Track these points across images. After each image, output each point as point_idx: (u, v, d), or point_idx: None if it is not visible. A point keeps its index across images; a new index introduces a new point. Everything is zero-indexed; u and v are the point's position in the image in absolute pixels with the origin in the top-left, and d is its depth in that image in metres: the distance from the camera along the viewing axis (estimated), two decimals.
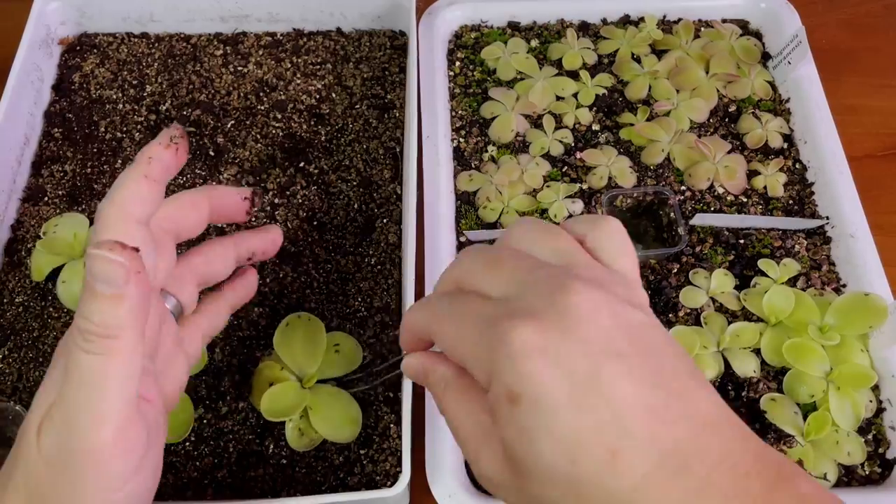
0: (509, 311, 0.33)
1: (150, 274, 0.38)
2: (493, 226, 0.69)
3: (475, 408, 0.35)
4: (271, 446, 0.59)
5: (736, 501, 0.29)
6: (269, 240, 0.51)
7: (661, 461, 0.30)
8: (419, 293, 0.63)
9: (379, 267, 0.67)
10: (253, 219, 0.70)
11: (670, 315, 0.63)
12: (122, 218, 0.37)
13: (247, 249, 0.50)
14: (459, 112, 0.76)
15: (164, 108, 0.77)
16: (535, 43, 0.81)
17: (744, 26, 0.82)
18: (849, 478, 0.57)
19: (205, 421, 0.60)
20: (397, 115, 0.76)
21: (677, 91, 0.76)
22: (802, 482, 0.31)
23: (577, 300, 0.32)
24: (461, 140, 0.74)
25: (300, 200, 0.71)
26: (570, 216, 0.68)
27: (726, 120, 0.76)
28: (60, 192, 0.72)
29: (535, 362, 0.31)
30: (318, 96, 0.77)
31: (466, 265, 0.37)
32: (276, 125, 0.76)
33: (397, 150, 0.74)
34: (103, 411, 0.35)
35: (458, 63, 0.80)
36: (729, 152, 0.72)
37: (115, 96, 0.77)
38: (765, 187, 0.71)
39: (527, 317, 0.32)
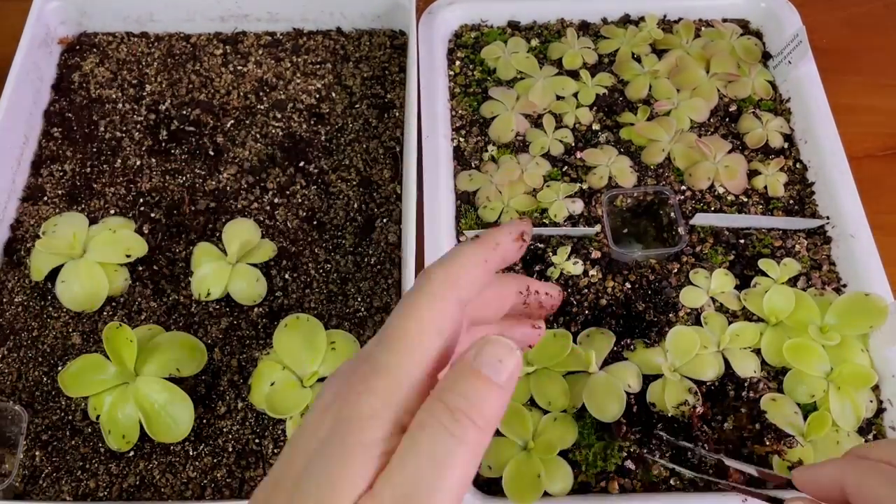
0: None
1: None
2: (493, 225, 0.68)
3: None
4: (270, 446, 0.58)
5: None
6: (554, 299, 0.45)
7: None
8: None
9: (379, 267, 0.67)
10: (254, 212, 0.70)
11: (670, 315, 0.63)
12: (447, 295, 0.34)
13: (534, 299, 0.44)
14: (459, 112, 0.76)
15: (164, 107, 0.77)
16: (535, 42, 0.81)
17: (744, 26, 0.82)
18: None
19: (204, 421, 0.59)
20: (397, 114, 0.76)
21: (678, 91, 0.76)
22: None
23: None
24: (461, 140, 0.74)
25: (300, 200, 0.71)
26: (570, 214, 0.68)
27: (727, 119, 0.76)
28: (60, 192, 0.72)
29: None
30: (317, 96, 0.77)
31: None
32: (276, 125, 0.75)
33: (397, 149, 0.74)
34: (441, 496, 0.31)
35: (458, 62, 0.79)
36: (729, 152, 0.72)
37: (114, 96, 0.77)
38: (765, 187, 0.71)
39: None
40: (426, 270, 0.36)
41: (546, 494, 0.55)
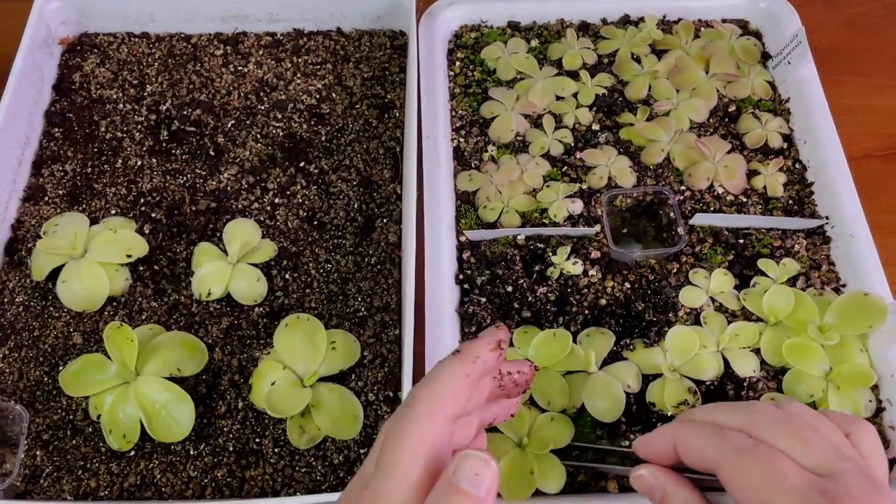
0: (839, 490, 0.38)
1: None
2: (493, 225, 0.69)
3: None
4: (271, 446, 0.59)
5: None
6: (525, 377, 0.48)
7: None
8: (419, 293, 0.63)
9: (379, 267, 0.67)
10: (255, 212, 0.70)
11: (670, 314, 0.63)
12: (434, 415, 0.38)
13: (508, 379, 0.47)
14: (459, 112, 0.76)
15: (165, 107, 0.77)
16: (535, 43, 0.81)
17: (744, 26, 0.82)
18: None
19: (204, 420, 0.60)
20: (397, 114, 0.76)
21: (677, 91, 0.76)
22: None
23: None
24: (461, 140, 0.74)
25: (300, 200, 0.71)
26: (570, 214, 0.68)
27: (726, 120, 0.76)
28: (61, 192, 0.72)
29: None
30: (318, 96, 0.78)
31: (763, 421, 0.42)
32: (277, 125, 0.76)
33: (397, 149, 0.74)
34: None
35: (458, 63, 0.80)
36: (728, 152, 0.72)
37: (115, 96, 0.78)
38: (764, 187, 0.71)
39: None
40: (412, 392, 0.39)
41: (542, 493, 0.55)
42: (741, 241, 0.68)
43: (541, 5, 0.83)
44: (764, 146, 0.73)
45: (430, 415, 0.37)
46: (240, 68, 0.79)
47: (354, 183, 0.72)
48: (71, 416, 0.60)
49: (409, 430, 0.37)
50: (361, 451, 0.58)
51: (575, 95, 0.76)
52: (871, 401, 0.60)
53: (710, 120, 0.75)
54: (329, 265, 0.67)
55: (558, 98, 0.76)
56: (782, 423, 0.41)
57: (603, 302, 0.64)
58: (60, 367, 0.62)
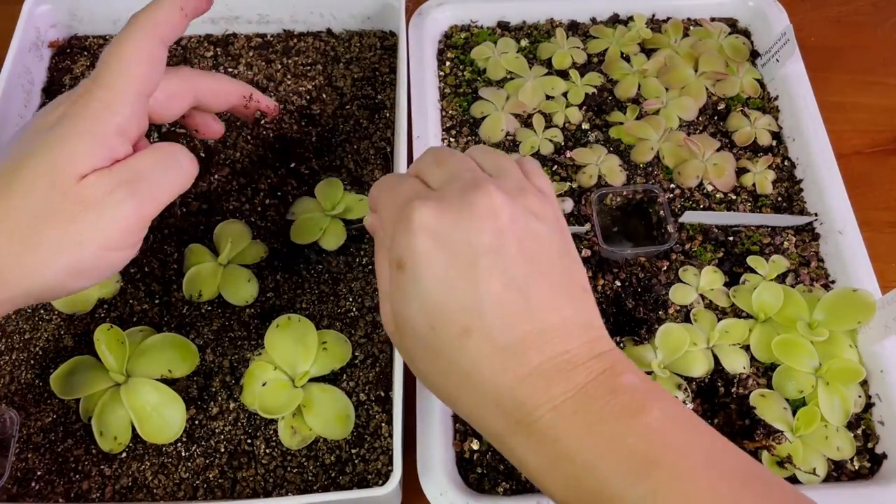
0: (425, 195, 0.39)
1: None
2: None
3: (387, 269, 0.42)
4: (262, 446, 0.59)
5: (558, 387, 0.35)
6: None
7: (504, 347, 0.36)
8: None
9: (370, 267, 0.67)
10: (246, 213, 0.70)
11: (660, 312, 0.64)
12: (149, 33, 0.46)
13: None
14: (450, 112, 0.76)
15: None
16: (524, 42, 0.81)
17: (732, 25, 0.83)
18: (838, 473, 0.58)
19: (196, 422, 0.60)
20: (388, 115, 0.76)
21: (666, 89, 0.77)
22: (628, 376, 0.37)
23: (482, 200, 0.38)
24: (451, 140, 0.74)
25: (291, 201, 0.71)
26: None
27: (715, 118, 0.76)
28: None
29: (423, 240, 0.37)
30: (308, 97, 0.78)
31: (425, 159, 0.44)
32: (267, 126, 0.75)
33: (388, 150, 0.74)
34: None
35: (447, 63, 0.80)
36: (718, 150, 0.72)
37: None
38: (753, 184, 0.71)
39: (432, 201, 0.38)
40: (132, 16, 0.46)
41: (529, 491, 0.55)
42: (731, 238, 0.68)
43: (530, 5, 0.83)
44: (753, 144, 0.74)
45: (146, 31, 0.45)
46: (230, 70, 0.79)
47: (345, 183, 0.72)
48: (62, 419, 0.60)
49: (129, 38, 0.44)
50: (353, 450, 0.58)
51: (565, 95, 0.77)
52: (860, 396, 0.60)
53: (700, 118, 0.76)
54: (320, 266, 0.68)
55: (548, 97, 0.77)
56: (434, 156, 0.43)
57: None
58: (51, 370, 0.62)
